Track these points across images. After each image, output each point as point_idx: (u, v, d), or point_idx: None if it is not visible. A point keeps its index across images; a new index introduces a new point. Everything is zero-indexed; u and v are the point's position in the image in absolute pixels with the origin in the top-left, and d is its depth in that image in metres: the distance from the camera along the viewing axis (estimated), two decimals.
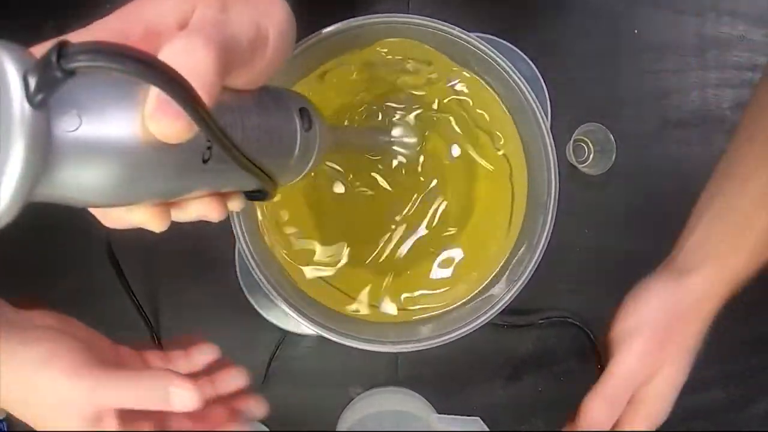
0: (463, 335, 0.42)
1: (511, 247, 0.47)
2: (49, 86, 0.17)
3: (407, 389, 0.57)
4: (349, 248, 0.47)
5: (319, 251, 0.47)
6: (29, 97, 0.17)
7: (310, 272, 0.47)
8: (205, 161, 0.23)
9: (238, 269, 0.55)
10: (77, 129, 0.19)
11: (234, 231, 0.43)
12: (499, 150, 0.47)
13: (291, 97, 0.30)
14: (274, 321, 0.55)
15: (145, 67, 0.17)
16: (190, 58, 0.21)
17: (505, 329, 0.56)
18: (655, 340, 0.35)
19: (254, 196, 0.29)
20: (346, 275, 0.47)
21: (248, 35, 0.24)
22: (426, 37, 0.45)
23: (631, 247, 0.57)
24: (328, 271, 0.47)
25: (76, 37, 0.22)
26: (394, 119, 0.47)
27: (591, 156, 0.58)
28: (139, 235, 0.59)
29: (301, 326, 0.44)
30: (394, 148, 0.47)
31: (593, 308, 0.57)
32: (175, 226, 0.62)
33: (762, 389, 0.58)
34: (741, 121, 0.39)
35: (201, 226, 0.59)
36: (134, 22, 0.23)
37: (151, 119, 0.20)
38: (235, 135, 0.23)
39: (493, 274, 0.47)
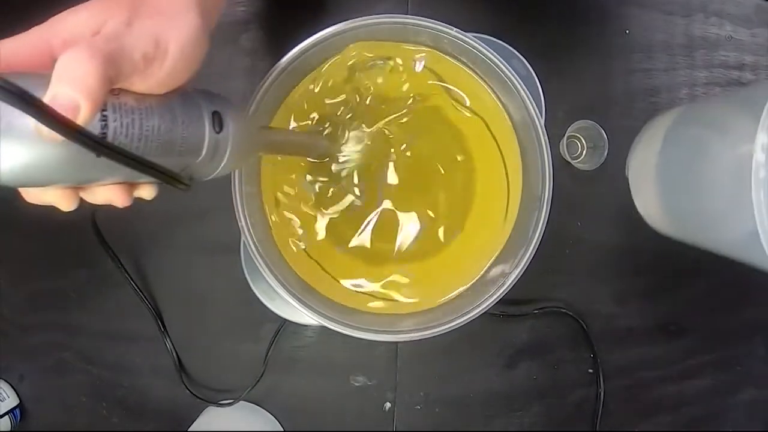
0: (460, 325, 0.43)
1: (507, 239, 0.47)
2: None
3: None
4: (352, 238, 0.48)
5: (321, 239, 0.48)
6: None
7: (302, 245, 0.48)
8: (98, 156, 0.25)
9: (242, 259, 0.55)
10: None
11: (237, 219, 0.44)
12: (494, 146, 0.48)
13: (206, 100, 0.32)
14: (277, 311, 0.55)
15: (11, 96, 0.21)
16: (75, 68, 0.23)
17: (501, 319, 0.57)
18: None
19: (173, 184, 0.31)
20: (347, 265, 0.48)
21: (144, 48, 0.27)
22: (423, 37, 0.45)
23: (621, 239, 0.58)
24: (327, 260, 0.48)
25: (8, 43, 0.26)
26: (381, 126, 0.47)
27: (584, 152, 0.58)
28: (146, 225, 0.60)
29: (303, 316, 0.44)
30: (343, 156, 0.47)
31: (586, 299, 0.58)
32: (182, 215, 0.63)
33: (748, 376, 0.59)
34: None
35: (208, 215, 0.60)
36: (56, 32, 0.27)
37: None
38: (131, 133, 0.27)
39: (490, 266, 0.47)
